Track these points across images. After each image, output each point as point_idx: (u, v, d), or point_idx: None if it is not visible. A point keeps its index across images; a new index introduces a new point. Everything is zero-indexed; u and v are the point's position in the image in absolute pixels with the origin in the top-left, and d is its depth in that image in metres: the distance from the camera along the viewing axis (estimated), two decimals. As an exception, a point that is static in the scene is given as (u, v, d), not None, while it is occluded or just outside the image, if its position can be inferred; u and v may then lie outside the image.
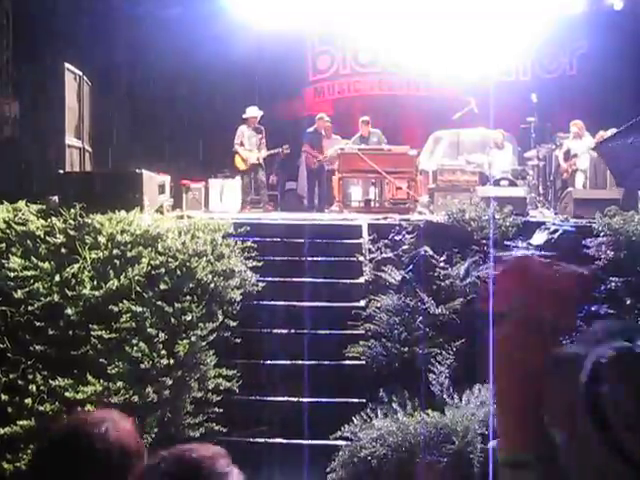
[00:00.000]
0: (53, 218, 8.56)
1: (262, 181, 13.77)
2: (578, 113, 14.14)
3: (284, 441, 7.96)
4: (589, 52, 16.52)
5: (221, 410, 7.78)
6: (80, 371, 7.38)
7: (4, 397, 7.23)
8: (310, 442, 7.82)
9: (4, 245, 8.25)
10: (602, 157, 12.16)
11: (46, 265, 7.98)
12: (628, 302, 9.19)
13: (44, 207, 8.94)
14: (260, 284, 8.90)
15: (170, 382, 7.44)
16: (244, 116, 13.70)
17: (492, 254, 9.31)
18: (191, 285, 8.15)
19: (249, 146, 13.61)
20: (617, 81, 15.42)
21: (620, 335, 1.46)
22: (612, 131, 13.36)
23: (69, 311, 7.67)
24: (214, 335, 8.04)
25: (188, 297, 8.02)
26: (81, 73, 11.41)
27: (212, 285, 8.28)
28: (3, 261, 8.03)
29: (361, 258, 9.74)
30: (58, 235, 8.34)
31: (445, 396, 7.90)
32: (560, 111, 14.86)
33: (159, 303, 7.84)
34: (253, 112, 13.66)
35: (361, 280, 9.51)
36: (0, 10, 12.85)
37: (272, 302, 9.05)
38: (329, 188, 14.33)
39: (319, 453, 7.63)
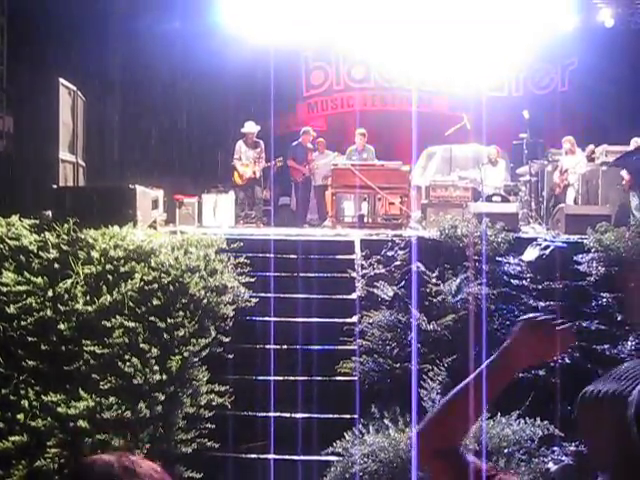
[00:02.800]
0: (46, 233, 8.58)
1: (258, 196, 13.82)
2: (570, 129, 14.24)
3: (276, 457, 7.93)
4: (580, 68, 16.67)
5: (213, 426, 7.76)
6: (72, 386, 7.37)
7: (-4, 413, 7.23)
8: (302, 458, 7.82)
9: (-3, 260, 8.27)
10: (627, 170, 12.22)
11: (39, 280, 8.00)
12: (619, 318, 9.25)
13: (37, 222, 8.95)
14: (253, 300, 8.93)
15: (162, 398, 7.43)
16: (242, 130, 13.77)
17: (484, 270, 9.36)
18: (184, 301, 8.16)
19: (246, 160, 13.66)
20: (608, 97, 15.58)
21: None
22: (603, 147, 13.47)
23: (62, 326, 7.67)
24: (207, 351, 8.04)
25: (181, 313, 8.02)
26: (75, 88, 11.44)
27: (205, 301, 8.30)
28: (-4, 276, 8.05)
29: (353, 274, 9.75)
30: (51, 250, 8.36)
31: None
32: (552, 127, 14.95)
33: (152, 319, 7.85)
34: (249, 127, 13.73)
35: (353, 296, 9.52)
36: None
37: (265, 318, 9.05)
38: (322, 203, 14.37)
39: (311, 469, 7.63)
